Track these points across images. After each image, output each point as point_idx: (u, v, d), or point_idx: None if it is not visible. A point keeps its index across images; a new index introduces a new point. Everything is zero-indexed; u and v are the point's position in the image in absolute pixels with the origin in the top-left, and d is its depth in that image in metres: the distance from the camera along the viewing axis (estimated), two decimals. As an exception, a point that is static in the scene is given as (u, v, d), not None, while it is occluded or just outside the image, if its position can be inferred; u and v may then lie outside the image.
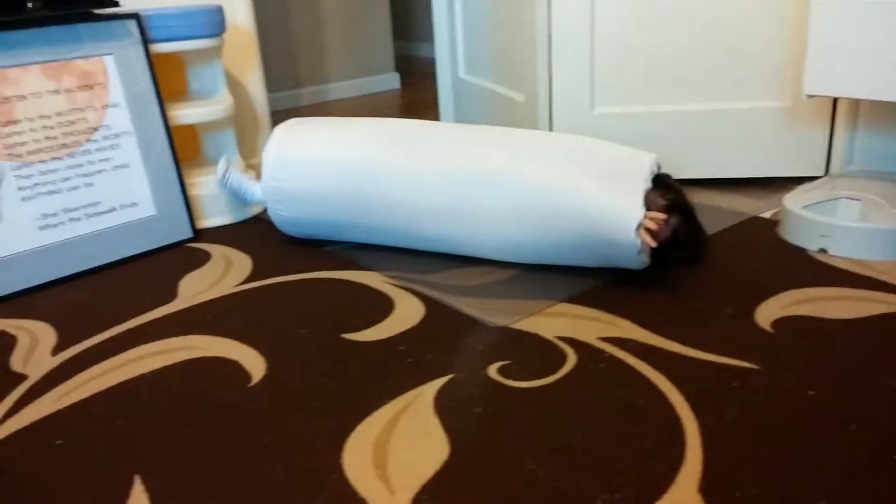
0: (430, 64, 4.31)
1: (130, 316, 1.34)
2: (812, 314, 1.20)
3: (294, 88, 3.32)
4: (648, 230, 1.25)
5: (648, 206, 1.31)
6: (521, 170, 1.35)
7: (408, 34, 4.77)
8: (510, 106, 2.07)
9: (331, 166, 1.47)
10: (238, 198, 1.71)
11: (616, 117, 1.83)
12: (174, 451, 0.96)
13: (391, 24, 3.60)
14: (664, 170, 1.41)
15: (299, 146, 1.51)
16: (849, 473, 0.85)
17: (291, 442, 0.96)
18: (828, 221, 1.41)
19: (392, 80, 3.63)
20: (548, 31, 1.78)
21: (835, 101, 1.71)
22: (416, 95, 3.47)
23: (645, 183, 1.29)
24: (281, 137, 1.53)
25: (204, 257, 1.60)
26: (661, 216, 1.25)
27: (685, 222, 1.33)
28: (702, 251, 1.39)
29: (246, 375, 1.13)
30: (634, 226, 1.24)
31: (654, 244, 1.26)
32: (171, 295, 1.42)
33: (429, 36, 4.47)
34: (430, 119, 2.94)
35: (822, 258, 1.40)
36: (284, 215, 1.55)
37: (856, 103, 1.70)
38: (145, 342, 1.25)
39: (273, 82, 3.24)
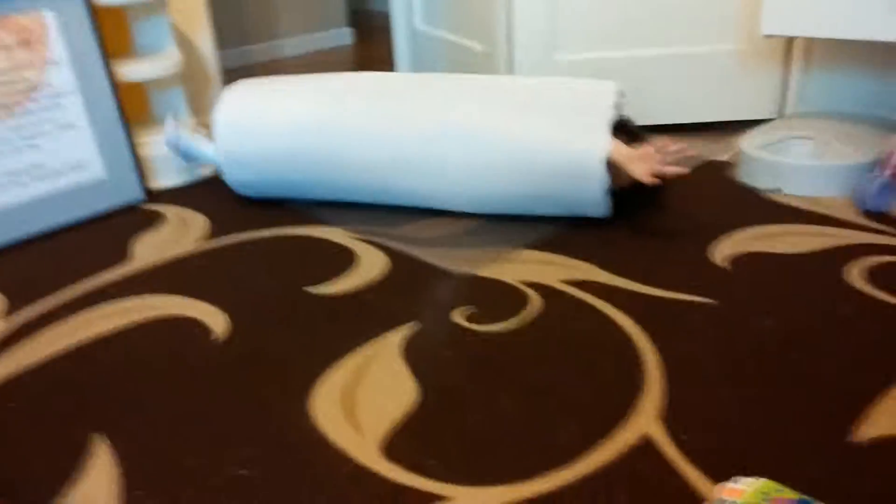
0: (385, 18, 4.22)
1: (84, 278, 1.31)
2: (766, 250, 1.23)
3: (243, 45, 3.22)
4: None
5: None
6: (483, 120, 1.34)
7: (360, -11, 4.65)
8: (469, 56, 2.05)
9: (285, 126, 1.44)
10: (189, 158, 1.66)
11: (576, 64, 1.82)
12: (138, 408, 0.95)
13: (342, -23, 3.51)
14: (626, 113, 1.42)
15: (251, 107, 1.47)
16: (802, 395, 0.88)
17: (259, 393, 0.96)
18: (781, 161, 1.44)
19: (345, 36, 3.56)
20: (504, -24, 1.76)
21: (789, 42, 1.73)
22: (370, 50, 3.41)
23: (609, 114, 1.29)
24: (231, 99, 1.49)
25: (158, 219, 1.56)
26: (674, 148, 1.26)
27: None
28: (661, 192, 1.41)
29: (208, 332, 1.11)
30: (600, 159, 1.25)
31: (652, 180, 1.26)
32: (126, 256, 1.39)
33: (381, -10, 4.36)
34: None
35: (777, 197, 1.43)
36: (240, 178, 1.52)
37: (809, 44, 1.72)
38: (101, 303, 1.22)
39: (221, 39, 3.14)
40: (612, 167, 1.29)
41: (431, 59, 2.34)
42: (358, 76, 1.50)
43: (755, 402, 0.87)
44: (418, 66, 2.49)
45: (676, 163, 1.25)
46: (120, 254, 1.40)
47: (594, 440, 0.83)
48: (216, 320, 1.14)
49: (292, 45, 3.39)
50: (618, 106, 1.34)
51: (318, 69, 3.08)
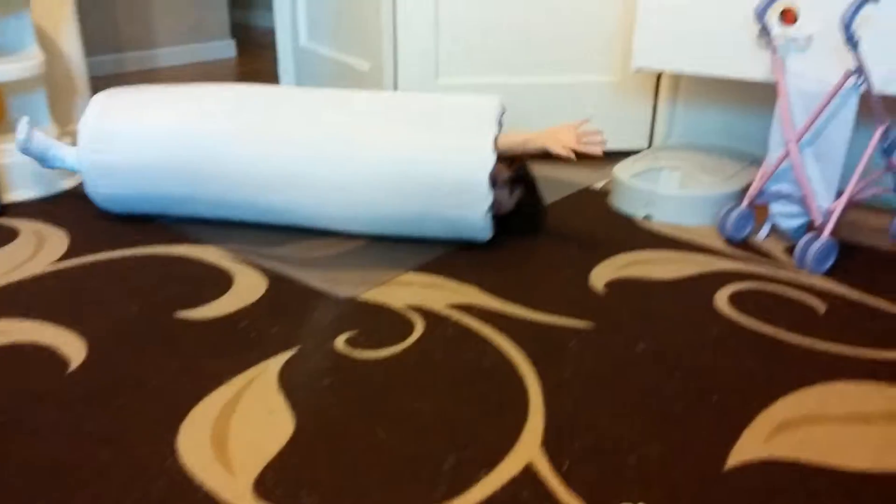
0: (270, 34, 4.12)
1: (-82, 301, 1.17)
2: (639, 275, 1.28)
3: (117, 52, 3.04)
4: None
5: (494, 179, 1.34)
6: (363, 131, 1.32)
7: (245, 2, 4.54)
8: (354, 75, 2.02)
9: (154, 135, 1.36)
10: (44, 163, 1.52)
11: (458, 88, 1.84)
12: (-24, 449, 0.84)
13: (226, -12, 3.40)
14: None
15: (121, 115, 1.38)
16: (676, 417, 0.91)
17: (119, 427, 0.88)
18: (651, 190, 1.51)
19: (227, 48, 3.44)
20: (391, -2, 1.76)
21: (658, 77, 1.83)
22: (253, 64, 3.31)
23: (491, 123, 1.30)
24: (100, 106, 1.39)
25: (10, 234, 1.42)
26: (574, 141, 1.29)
27: (529, 193, 1.38)
28: (542, 220, 1.44)
29: (63, 361, 1.02)
30: (486, 167, 1.25)
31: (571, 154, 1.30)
32: (-30, 276, 1.25)
33: (268, 4, 4.27)
34: (270, 89, 2.81)
35: (648, 224, 1.50)
36: (105, 191, 1.41)
37: (676, 80, 1.83)
38: (-62, 330, 1.09)
39: (93, 45, 2.94)
40: (494, 186, 1.32)
41: (316, 76, 2.30)
42: (231, 87, 1.44)
43: (634, 429, 0.90)
44: (302, 82, 2.43)
45: (592, 143, 1.29)
46: (-38, 274, 1.26)
47: (476, 471, 0.82)
48: (72, 348, 1.05)
49: (171, 55, 3.23)
50: (500, 120, 1.35)
51: (197, 80, 2.96)
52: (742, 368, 1.01)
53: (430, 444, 0.86)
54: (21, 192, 1.58)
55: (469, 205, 1.28)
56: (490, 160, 1.26)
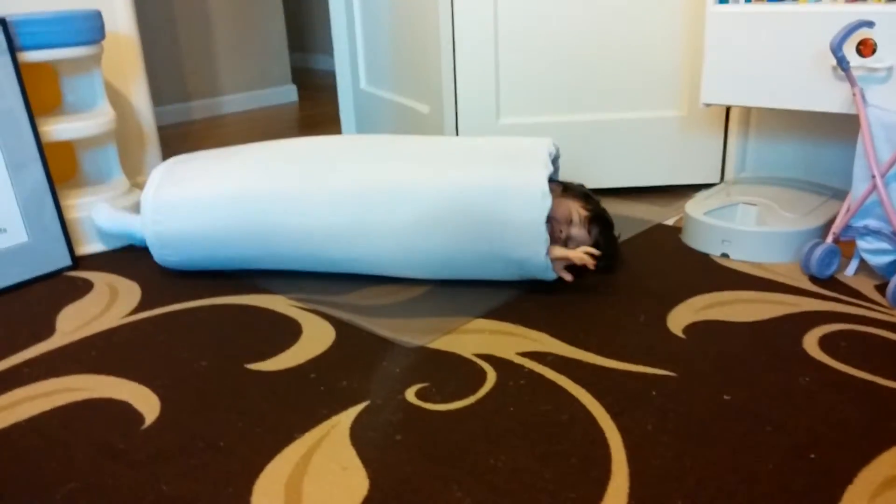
0: (330, 76, 4.22)
1: (1, 357, 1.20)
2: (720, 318, 1.22)
3: (183, 101, 3.15)
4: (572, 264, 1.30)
5: (569, 214, 1.31)
6: (415, 177, 1.31)
7: (306, 46, 4.67)
8: (415, 117, 2.03)
9: (214, 203, 1.37)
10: (130, 240, 1.60)
11: (521, 128, 1.83)
12: (55, 510, 0.85)
13: (287, 34, 3.50)
14: (573, 179, 1.42)
15: (177, 186, 1.40)
16: (770, 476, 0.85)
17: (193, 488, 0.87)
18: (728, 227, 1.45)
19: (289, 93, 3.53)
20: (452, 40, 1.76)
21: (728, 110, 1.78)
22: (315, 108, 3.38)
23: (544, 161, 1.28)
24: (159, 177, 1.42)
25: (85, 287, 1.46)
26: (589, 258, 1.28)
27: (604, 232, 1.34)
28: (618, 260, 1.40)
29: (138, 417, 1.02)
30: (539, 194, 1.23)
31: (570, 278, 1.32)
32: (48, 330, 1.28)
33: (328, 47, 4.39)
34: (333, 132, 2.86)
35: (725, 262, 1.44)
36: (171, 258, 1.44)
37: (747, 112, 1.77)
38: (20, 385, 1.11)
39: (160, 95, 3.06)
40: (570, 225, 1.32)
41: (376, 119, 2.32)
42: (287, 144, 1.45)
43: (727, 490, 0.84)
44: (363, 125, 2.46)
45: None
46: (41, 327, 1.29)
47: (560, 534, 0.78)
48: (146, 403, 1.05)
49: (235, 102, 3.33)
50: (553, 158, 1.34)
51: (261, 126, 3.03)
52: (838, 420, 0.94)
53: (509, 506, 0.82)
54: (95, 245, 1.63)
55: (527, 244, 1.26)
56: (543, 184, 1.24)
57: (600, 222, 1.33)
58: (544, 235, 1.25)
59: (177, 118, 3.13)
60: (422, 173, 1.31)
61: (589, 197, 1.36)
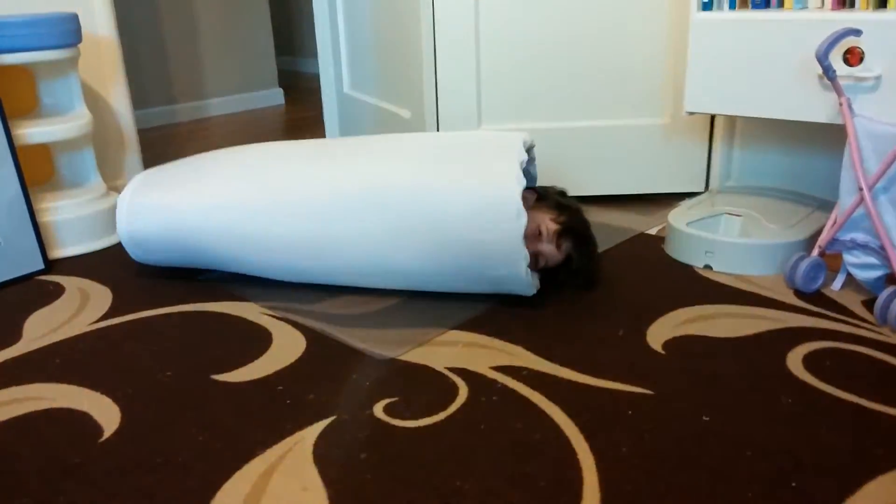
0: (318, 80, 4.19)
1: (-40, 364, 1.16)
2: (701, 333, 1.19)
3: (169, 104, 3.12)
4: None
5: (539, 227, 1.28)
6: (385, 184, 1.26)
7: (293, 50, 4.64)
8: (397, 123, 2.00)
9: (187, 211, 1.34)
10: None
11: (505, 135, 1.80)
12: (1, 529, 0.81)
13: (274, 38, 3.47)
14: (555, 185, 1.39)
15: (154, 191, 1.38)
16: None
17: (146, 508, 0.83)
18: (712, 238, 1.42)
19: (276, 96, 3.49)
20: (433, 46, 1.73)
21: (712, 118, 1.75)
22: (301, 112, 3.35)
23: (518, 155, 1.23)
24: (137, 183, 1.41)
25: (56, 291, 1.42)
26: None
27: (578, 247, 1.30)
28: (595, 275, 1.36)
29: (97, 429, 0.98)
30: (514, 213, 1.18)
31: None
32: (13, 336, 1.25)
33: (315, 52, 4.36)
34: (316, 136, 2.83)
35: (708, 274, 1.41)
36: (147, 258, 1.44)
37: (732, 121, 1.74)
38: (-24, 395, 1.08)
39: (145, 97, 3.03)
40: (540, 238, 1.28)
41: (359, 123, 2.30)
42: (260, 150, 1.41)
43: (696, 512, 0.81)
44: (346, 128, 2.44)
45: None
46: (7, 333, 1.26)
47: (524, 562, 0.74)
48: (106, 414, 1.02)
49: (221, 105, 3.30)
50: (528, 147, 1.30)
51: (246, 129, 3.00)
52: (822, 444, 0.91)
53: (474, 530, 0.79)
54: (70, 249, 1.59)
55: (505, 262, 1.21)
56: (517, 213, 1.18)
57: (572, 236, 1.29)
58: (523, 252, 1.20)
59: (162, 120, 3.10)
60: (393, 181, 1.26)
61: (563, 207, 1.32)
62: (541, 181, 1.49)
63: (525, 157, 1.24)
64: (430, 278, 1.29)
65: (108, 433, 0.98)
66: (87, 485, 0.88)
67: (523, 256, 1.20)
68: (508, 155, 1.24)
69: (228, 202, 1.32)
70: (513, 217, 1.18)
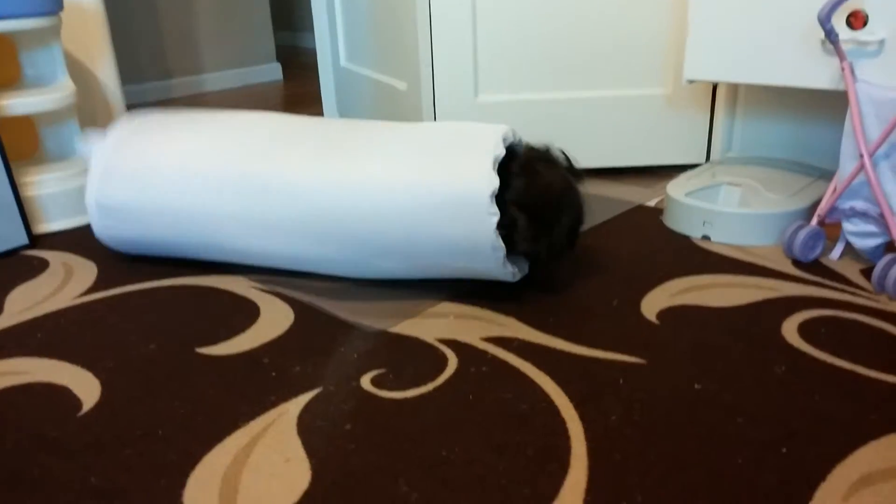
0: (314, 55, 4.14)
1: (-59, 338, 1.15)
2: (696, 303, 1.17)
3: (164, 79, 3.08)
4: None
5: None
6: (353, 175, 1.16)
7: (291, 24, 4.58)
8: (393, 95, 1.97)
9: (162, 180, 1.26)
10: None
11: (500, 105, 1.76)
12: (-24, 502, 0.79)
13: (272, 12, 3.41)
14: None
15: (131, 150, 1.30)
16: (738, 471, 0.80)
17: (124, 480, 0.82)
18: (709, 208, 1.39)
19: (274, 71, 3.45)
20: (429, 16, 1.69)
21: (714, 88, 1.71)
22: (300, 87, 3.30)
23: (493, 148, 1.11)
24: (111, 140, 1.32)
25: (39, 266, 1.40)
26: None
27: (532, 220, 1.15)
28: (556, 246, 1.19)
29: (76, 403, 0.97)
30: (485, 189, 1.07)
31: None
32: (-4, 311, 1.23)
33: (311, 25, 4.30)
34: (314, 111, 2.79)
35: (705, 245, 1.38)
36: (115, 234, 1.34)
37: (734, 90, 1.70)
38: (-44, 369, 1.06)
39: (140, 72, 2.99)
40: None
41: (356, 97, 2.26)
42: (241, 125, 1.31)
43: (691, 487, 0.78)
44: (344, 102, 2.40)
45: None
46: (-13, 308, 1.24)
47: (508, 532, 0.72)
48: (86, 388, 1.00)
49: (218, 79, 3.26)
50: (507, 144, 1.15)
51: (244, 104, 2.96)
52: (815, 411, 0.89)
53: (457, 501, 0.77)
54: (54, 223, 1.57)
55: (476, 230, 1.10)
56: (489, 180, 1.08)
57: (519, 206, 1.14)
58: (497, 245, 1.10)
59: (157, 96, 3.06)
60: (365, 180, 1.16)
61: (519, 174, 1.15)
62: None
63: (501, 152, 1.11)
64: (405, 272, 1.23)
65: (87, 407, 0.96)
66: (64, 458, 0.86)
67: (498, 247, 1.11)
68: (481, 149, 1.12)
69: (209, 179, 1.24)
70: (483, 213, 1.09)
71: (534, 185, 1.15)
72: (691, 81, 1.47)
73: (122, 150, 1.31)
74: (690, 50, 1.44)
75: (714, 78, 1.45)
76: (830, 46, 1.25)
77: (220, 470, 0.83)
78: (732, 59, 1.40)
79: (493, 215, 1.08)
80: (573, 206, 1.19)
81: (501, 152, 1.11)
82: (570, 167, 1.22)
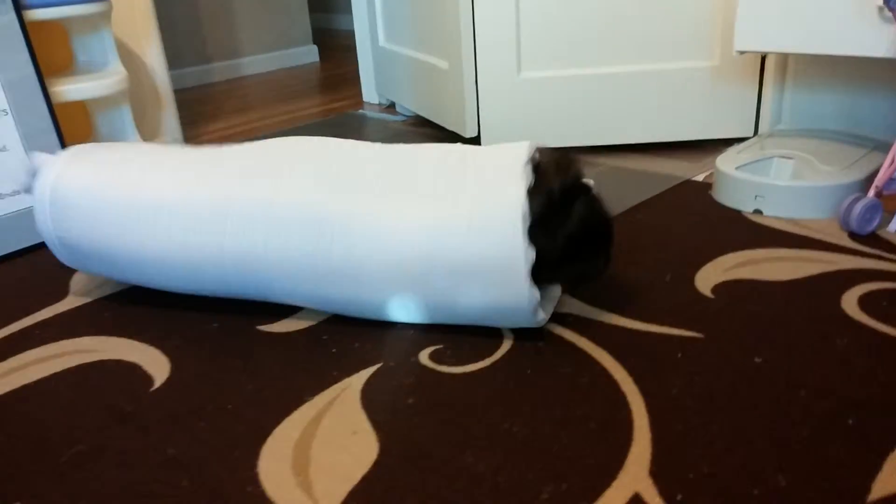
0: (352, 36, 4.15)
1: (12, 319, 1.19)
2: (751, 277, 1.16)
3: (203, 63, 3.11)
4: None
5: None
6: (369, 219, 1.01)
7: (327, 6, 4.59)
8: (434, 74, 1.97)
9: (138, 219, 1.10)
10: None
11: (543, 82, 1.75)
12: (63, 472, 0.83)
13: (306, -6, 3.43)
14: (600, 135, 1.31)
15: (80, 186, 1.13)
16: (804, 443, 0.80)
17: (200, 452, 0.85)
18: (762, 181, 1.38)
19: (310, 53, 3.47)
20: (469, -9, 1.69)
21: (763, 59, 1.68)
22: (336, 69, 3.32)
23: (523, 171, 0.97)
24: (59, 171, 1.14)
25: (101, 248, 1.44)
26: None
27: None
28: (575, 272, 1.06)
29: (147, 379, 1.00)
30: (519, 215, 0.94)
31: None
32: (61, 292, 1.27)
33: (348, 7, 4.30)
34: (352, 93, 2.81)
35: (757, 219, 1.37)
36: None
37: (783, 61, 1.67)
38: (30, 348, 1.10)
39: (180, 57, 3.03)
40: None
41: (395, 77, 2.26)
42: (213, 158, 1.13)
43: (756, 457, 0.79)
44: (382, 82, 2.41)
45: None
46: (53, 290, 1.28)
47: (577, 502, 0.74)
48: (156, 365, 1.03)
49: (256, 63, 3.29)
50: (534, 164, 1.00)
51: (281, 87, 2.99)
52: (880, 383, 0.88)
53: (523, 471, 0.78)
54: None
55: (511, 268, 0.96)
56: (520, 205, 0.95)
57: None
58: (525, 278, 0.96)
59: (197, 80, 3.10)
60: (383, 213, 1.01)
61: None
62: (581, 130, 1.45)
63: (531, 179, 0.97)
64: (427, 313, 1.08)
65: (158, 383, 0.99)
66: (141, 431, 0.89)
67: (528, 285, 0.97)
68: (511, 174, 0.98)
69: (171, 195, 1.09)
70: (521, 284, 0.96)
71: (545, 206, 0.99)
72: (742, 52, 1.45)
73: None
74: (741, 20, 1.42)
75: (766, 48, 1.42)
76: (889, 14, 1.22)
77: (290, 442, 0.85)
78: (785, 29, 1.37)
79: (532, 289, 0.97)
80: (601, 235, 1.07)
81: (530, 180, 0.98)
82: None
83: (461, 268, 0.98)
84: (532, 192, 0.97)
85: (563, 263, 1.02)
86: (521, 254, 0.95)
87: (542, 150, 1.04)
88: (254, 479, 0.80)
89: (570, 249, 1.01)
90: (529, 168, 0.99)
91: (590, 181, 1.04)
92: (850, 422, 0.82)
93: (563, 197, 0.99)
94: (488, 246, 0.96)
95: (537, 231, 0.97)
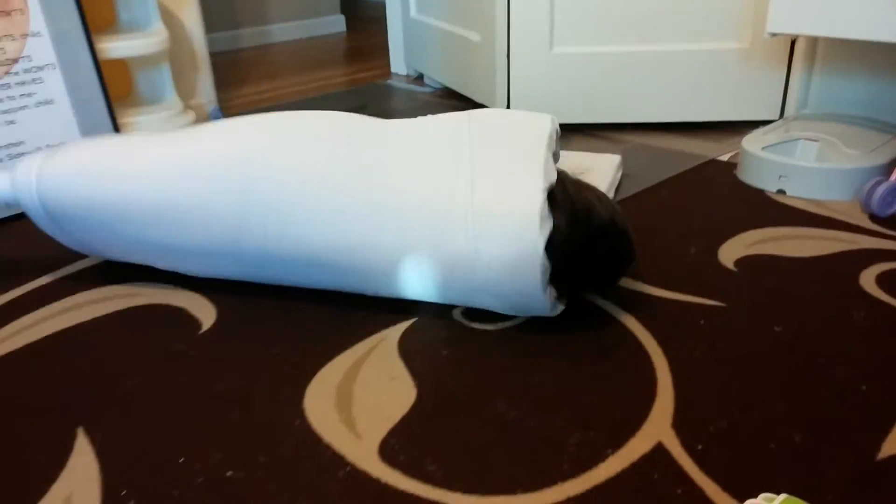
0: (378, 7, 4.16)
1: (65, 263, 1.25)
2: (773, 252, 1.20)
3: (233, 29, 3.15)
4: None
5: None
6: (377, 198, 0.98)
7: (352, -24, 4.58)
8: (466, 47, 2.00)
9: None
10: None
11: (574, 57, 1.78)
12: (119, 401, 0.89)
13: (335, -37, 3.44)
14: (626, 112, 1.36)
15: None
16: (819, 405, 0.84)
17: (248, 388, 0.90)
18: (786, 162, 1.41)
19: (338, 23, 3.49)
20: (505, -35, 1.71)
21: (792, 44, 1.71)
22: (362, 39, 3.34)
23: (545, 157, 0.94)
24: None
25: (143, 201, 1.49)
26: None
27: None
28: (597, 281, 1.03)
29: (195, 323, 1.06)
30: (537, 212, 0.90)
31: None
32: (108, 241, 1.32)
33: (374, -22, 4.30)
34: (380, 63, 2.83)
35: (781, 199, 1.40)
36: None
37: (813, 46, 1.69)
38: (82, 290, 1.16)
39: (211, 21, 3.06)
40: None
41: (426, 49, 2.29)
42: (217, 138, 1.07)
43: (774, 416, 0.84)
44: (412, 54, 2.43)
45: None
46: (100, 238, 1.33)
47: (603, 449, 0.79)
48: (203, 311, 1.09)
49: (284, 31, 3.32)
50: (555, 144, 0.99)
51: (309, 55, 3.02)
52: (893, 354, 0.93)
53: (552, 421, 0.84)
54: (151, 163, 1.66)
55: (527, 257, 0.92)
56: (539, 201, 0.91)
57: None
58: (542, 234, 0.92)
59: (226, 46, 3.13)
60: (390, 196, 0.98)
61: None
62: (610, 106, 1.48)
63: (553, 177, 0.94)
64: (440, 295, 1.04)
65: (206, 327, 1.05)
66: (192, 369, 0.95)
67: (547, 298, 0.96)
68: (530, 160, 0.94)
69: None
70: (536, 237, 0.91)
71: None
72: (774, 35, 1.47)
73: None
74: (775, 2, 1.44)
75: (800, 31, 1.45)
76: (922, 1, 1.25)
77: (333, 383, 0.91)
78: (819, 12, 1.39)
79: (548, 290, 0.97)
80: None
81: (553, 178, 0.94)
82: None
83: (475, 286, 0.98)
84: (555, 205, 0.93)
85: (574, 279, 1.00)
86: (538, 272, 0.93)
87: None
88: (300, 414, 0.85)
89: (586, 275, 1.00)
90: (552, 162, 0.95)
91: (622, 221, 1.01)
92: (864, 388, 0.87)
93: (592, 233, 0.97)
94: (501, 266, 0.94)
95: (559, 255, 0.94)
